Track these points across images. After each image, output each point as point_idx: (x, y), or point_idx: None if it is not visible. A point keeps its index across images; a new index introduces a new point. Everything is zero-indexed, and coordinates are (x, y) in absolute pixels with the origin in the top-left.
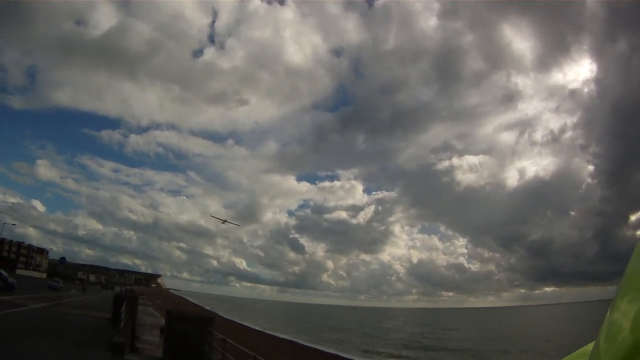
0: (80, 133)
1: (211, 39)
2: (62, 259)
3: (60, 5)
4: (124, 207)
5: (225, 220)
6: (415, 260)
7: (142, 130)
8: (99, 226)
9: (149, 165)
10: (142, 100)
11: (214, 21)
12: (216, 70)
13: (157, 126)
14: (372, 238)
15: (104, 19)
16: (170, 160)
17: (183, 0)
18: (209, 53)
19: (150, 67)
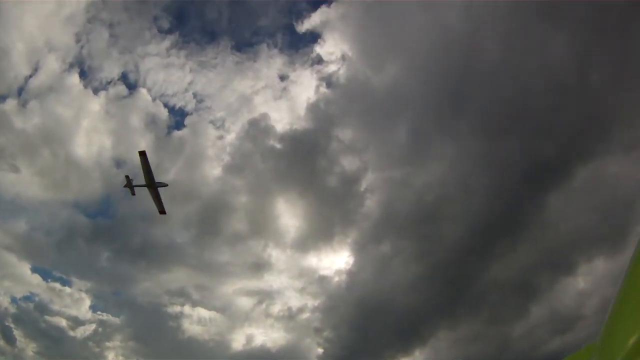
0: None
1: (20, 92)
2: None
3: None
4: None
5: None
6: None
7: None
8: None
9: None
10: None
11: (31, 76)
12: (8, 125)
13: None
14: (84, 357)
15: None
16: None
17: (17, 41)
18: (11, 104)
19: None
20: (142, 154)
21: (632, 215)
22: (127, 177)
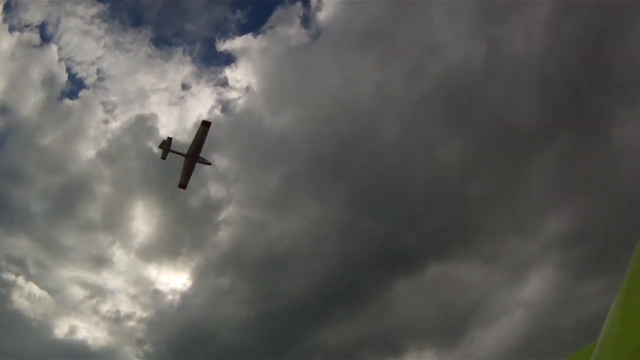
0: None
1: None
2: None
3: None
4: None
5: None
6: None
7: None
8: None
9: None
10: None
11: None
12: None
13: None
14: None
15: None
16: None
17: None
18: None
19: None
20: (207, 124)
21: (470, 321)
22: (169, 138)
